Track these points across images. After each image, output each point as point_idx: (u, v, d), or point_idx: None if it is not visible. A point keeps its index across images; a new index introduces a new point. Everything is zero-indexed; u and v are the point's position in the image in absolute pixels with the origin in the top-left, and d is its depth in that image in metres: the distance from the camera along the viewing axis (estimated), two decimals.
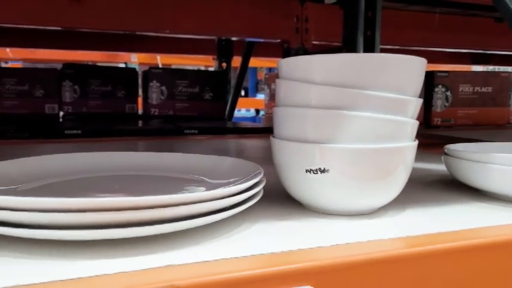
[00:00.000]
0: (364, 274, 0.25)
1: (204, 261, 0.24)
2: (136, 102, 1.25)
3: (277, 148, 0.35)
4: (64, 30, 1.25)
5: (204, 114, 1.23)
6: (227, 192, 0.28)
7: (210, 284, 0.22)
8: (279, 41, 1.04)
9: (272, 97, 1.30)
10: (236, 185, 0.30)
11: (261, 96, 2.65)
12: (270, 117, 1.33)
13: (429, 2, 1.07)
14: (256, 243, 0.28)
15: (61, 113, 1.19)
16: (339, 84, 0.32)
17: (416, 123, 0.34)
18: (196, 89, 1.22)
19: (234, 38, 1.31)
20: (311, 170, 0.33)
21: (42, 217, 0.24)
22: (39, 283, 0.21)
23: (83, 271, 0.23)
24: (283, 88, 0.35)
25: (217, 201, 0.27)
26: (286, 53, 1.03)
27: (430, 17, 1.11)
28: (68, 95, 1.20)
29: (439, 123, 1.04)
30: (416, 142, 0.35)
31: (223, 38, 1.32)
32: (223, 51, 1.39)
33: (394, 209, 0.36)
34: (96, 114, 1.20)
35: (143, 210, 0.25)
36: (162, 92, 1.20)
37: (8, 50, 2.08)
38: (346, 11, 0.85)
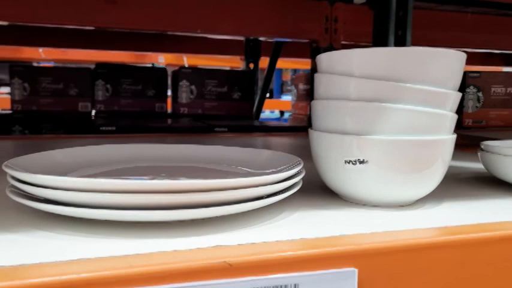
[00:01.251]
0: (404, 259, 0.26)
1: (254, 243, 0.25)
2: (165, 101, 1.28)
3: (316, 140, 0.36)
4: (95, 30, 1.29)
5: (232, 114, 1.24)
6: (278, 178, 0.30)
7: (261, 261, 0.23)
8: (307, 41, 1.05)
9: (299, 97, 1.31)
10: (283, 172, 0.31)
11: (285, 98, 2.65)
12: (297, 117, 1.34)
13: (461, 2, 1.06)
14: (299, 229, 0.29)
15: (93, 111, 1.23)
16: (378, 78, 0.32)
17: (455, 116, 0.35)
18: (225, 89, 1.24)
19: (263, 38, 1.32)
20: (350, 161, 0.33)
21: (105, 198, 0.25)
22: (105, 257, 0.23)
23: (141, 249, 0.24)
24: (323, 82, 0.36)
25: (269, 186, 0.29)
26: (315, 52, 1.04)
27: (461, 16, 1.10)
28: (100, 94, 1.23)
29: (470, 124, 1.03)
30: (455, 136, 0.35)
31: (252, 38, 1.33)
32: (251, 51, 1.40)
33: (431, 202, 0.37)
34: (127, 113, 1.23)
35: (205, 193, 0.26)
36: (191, 91, 1.22)
37: (40, 50, 2.14)
38: (377, 11, 0.85)
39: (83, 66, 1.46)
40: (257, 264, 0.23)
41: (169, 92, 1.30)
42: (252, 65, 1.39)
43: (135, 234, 0.26)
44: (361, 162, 0.33)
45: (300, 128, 1.11)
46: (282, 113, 2.87)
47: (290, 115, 1.49)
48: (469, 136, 0.90)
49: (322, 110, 0.36)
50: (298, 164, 0.34)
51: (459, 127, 1.03)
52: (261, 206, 0.29)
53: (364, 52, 0.33)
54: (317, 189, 0.40)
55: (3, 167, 0.30)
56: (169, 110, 1.28)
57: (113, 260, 0.22)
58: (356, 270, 0.25)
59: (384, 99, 0.32)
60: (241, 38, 1.38)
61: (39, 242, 0.25)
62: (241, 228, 0.28)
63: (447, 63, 0.33)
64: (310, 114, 1.22)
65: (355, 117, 0.33)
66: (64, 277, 0.20)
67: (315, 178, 0.43)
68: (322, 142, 0.35)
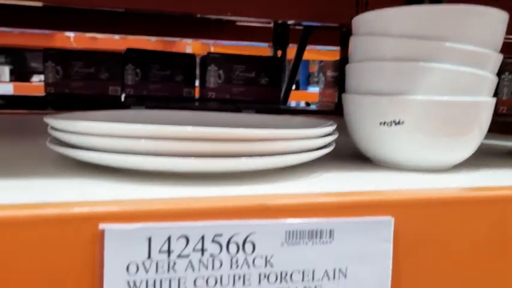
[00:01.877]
0: (441, 212, 0.26)
1: (292, 193, 0.25)
2: (193, 86, 1.29)
3: (350, 103, 0.36)
4: (125, 14, 1.31)
5: (259, 99, 1.24)
6: (323, 132, 0.30)
7: (297, 206, 0.23)
8: (337, 25, 1.04)
9: (327, 85, 1.30)
10: (323, 128, 0.31)
11: (312, 90, 2.64)
12: (324, 105, 1.33)
13: None
14: (336, 185, 0.29)
15: (123, 95, 1.25)
16: (416, 36, 0.32)
17: (496, 79, 0.34)
18: (253, 74, 1.24)
19: (291, 22, 1.31)
20: (385, 122, 0.33)
21: (152, 145, 0.26)
22: (147, 199, 0.23)
23: (185, 194, 0.24)
24: (358, 44, 0.36)
25: (313, 139, 0.29)
26: (344, 38, 1.03)
27: None
28: (130, 78, 1.25)
29: (504, 111, 1.00)
30: (494, 99, 0.34)
31: (280, 22, 1.33)
32: (279, 38, 1.40)
33: (466, 169, 0.36)
34: (156, 97, 1.25)
35: (258, 142, 0.27)
36: (219, 76, 1.22)
37: (71, 38, 2.19)
38: None
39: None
40: (293, 208, 0.23)
41: (197, 83, 1.31)
42: (279, 53, 1.39)
43: (177, 183, 0.27)
44: (397, 123, 0.33)
45: (328, 111, 1.10)
46: (307, 104, 2.85)
47: (317, 104, 1.48)
48: (504, 122, 0.88)
49: (357, 73, 0.35)
50: (332, 124, 0.34)
51: (493, 114, 1.00)
52: (315, 157, 0.30)
53: (402, 10, 0.32)
54: (349, 157, 0.40)
55: (44, 119, 0.31)
56: (197, 96, 1.29)
57: (170, 200, 0.23)
58: (392, 219, 0.24)
59: (422, 58, 0.32)
60: (270, 25, 1.37)
61: (84, 185, 0.26)
62: (275, 182, 0.28)
63: (488, 22, 0.32)
64: (338, 101, 1.20)
65: (391, 77, 0.33)
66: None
67: (346, 148, 0.43)
68: (357, 105, 0.35)
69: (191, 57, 1.34)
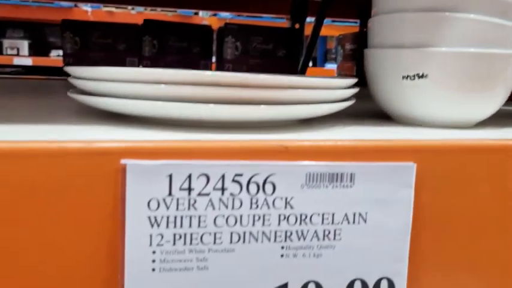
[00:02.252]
0: (462, 158, 0.25)
1: (312, 139, 0.25)
2: (210, 58, 1.28)
3: (372, 58, 0.35)
4: None
5: (277, 71, 1.23)
6: (346, 83, 0.30)
7: (318, 148, 0.23)
8: None
9: (346, 57, 1.28)
10: (346, 79, 0.31)
11: (329, 66, 2.60)
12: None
13: None
14: (357, 136, 0.28)
15: (140, 67, 1.25)
16: None
17: None
18: (270, 46, 1.23)
19: None
20: (408, 76, 0.32)
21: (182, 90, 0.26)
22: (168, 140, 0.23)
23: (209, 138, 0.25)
24: None
25: (336, 90, 0.29)
26: (363, 9, 1.01)
27: None
28: (147, 50, 1.25)
29: None
30: None
31: None
32: (297, 11, 1.38)
33: (491, 126, 0.35)
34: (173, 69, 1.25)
35: (290, 90, 0.26)
36: (236, 48, 1.21)
37: (89, 13, 2.19)
38: None
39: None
40: (314, 150, 0.23)
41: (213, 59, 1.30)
42: (297, 25, 1.37)
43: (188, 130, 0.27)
44: (420, 76, 0.32)
45: None
46: None
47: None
48: None
49: (380, 26, 0.34)
50: (354, 78, 0.33)
51: None
52: (337, 109, 0.30)
53: None
54: (369, 117, 0.39)
55: (65, 69, 0.31)
56: (213, 68, 1.29)
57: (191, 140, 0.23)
58: (415, 164, 0.24)
59: (448, 8, 0.31)
60: None
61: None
62: (298, 132, 0.28)
63: None
64: (356, 74, 1.19)
65: (415, 29, 0.32)
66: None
67: (366, 111, 0.42)
68: (379, 59, 0.34)
69: (208, 29, 1.33)
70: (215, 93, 0.26)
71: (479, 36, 0.31)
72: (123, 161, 0.21)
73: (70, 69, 0.30)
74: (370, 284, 0.24)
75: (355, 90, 0.32)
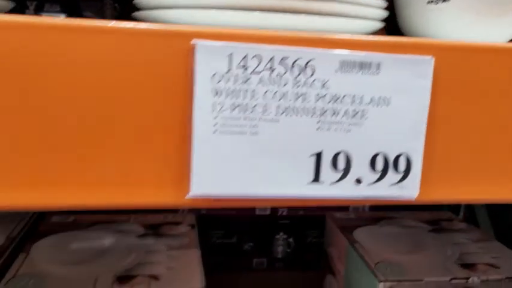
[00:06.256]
0: (481, 56, 0.29)
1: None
2: None
3: None
4: None
5: None
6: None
7: (350, 40, 0.28)
8: None
9: None
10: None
11: None
12: None
13: None
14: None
15: None
16: None
17: None
18: None
19: None
20: (432, 0, 0.36)
21: None
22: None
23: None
24: None
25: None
26: None
27: None
28: None
29: None
30: None
31: None
32: None
33: None
34: None
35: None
36: None
37: None
38: None
39: None
40: (347, 41, 0.28)
41: None
42: None
43: None
44: (444, 0, 0.36)
45: None
46: None
47: None
48: None
49: None
50: None
51: None
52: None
53: None
54: None
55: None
56: None
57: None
58: (433, 58, 0.28)
59: None
60: None
61: None
62: None
63: None
64: None
65: None
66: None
67: None
68: None
69: None
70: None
71: None
72: (193, 41, 0.26)
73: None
74: (391, 158, 0.29)
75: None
